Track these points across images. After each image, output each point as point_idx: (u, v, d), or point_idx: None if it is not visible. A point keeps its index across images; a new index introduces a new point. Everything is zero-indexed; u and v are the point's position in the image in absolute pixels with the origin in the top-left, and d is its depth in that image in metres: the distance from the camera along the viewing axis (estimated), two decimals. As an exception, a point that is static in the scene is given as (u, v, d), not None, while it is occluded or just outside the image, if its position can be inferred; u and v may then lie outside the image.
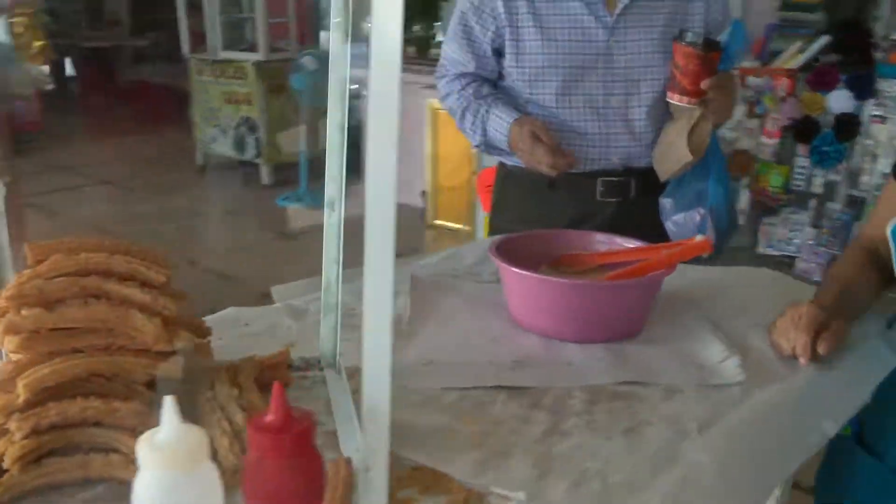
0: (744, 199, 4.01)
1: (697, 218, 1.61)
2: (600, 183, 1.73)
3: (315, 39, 6.48)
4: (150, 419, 0.88)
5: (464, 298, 1.35)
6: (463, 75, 1.78)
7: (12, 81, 6.46)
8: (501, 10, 1.69)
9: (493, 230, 1.88)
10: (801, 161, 3.82)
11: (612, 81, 1.68)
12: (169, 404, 0.61)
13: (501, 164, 1.87)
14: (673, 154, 1.58)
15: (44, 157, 6.80)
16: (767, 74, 3.70)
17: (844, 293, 1.21)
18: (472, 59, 1.75)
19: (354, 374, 1.13)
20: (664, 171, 1.63)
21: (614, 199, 1.73)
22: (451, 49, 1.79)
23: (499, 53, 1.74)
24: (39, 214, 5.33)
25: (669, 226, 1.71)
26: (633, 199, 1.73)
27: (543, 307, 1.22)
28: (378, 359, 0.69)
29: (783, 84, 3.68)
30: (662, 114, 1.68)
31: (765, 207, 4.00)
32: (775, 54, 3.79)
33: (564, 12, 1.66)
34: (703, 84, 1.53)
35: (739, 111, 3.78)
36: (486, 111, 1.71)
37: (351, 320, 1.15)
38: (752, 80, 3.72)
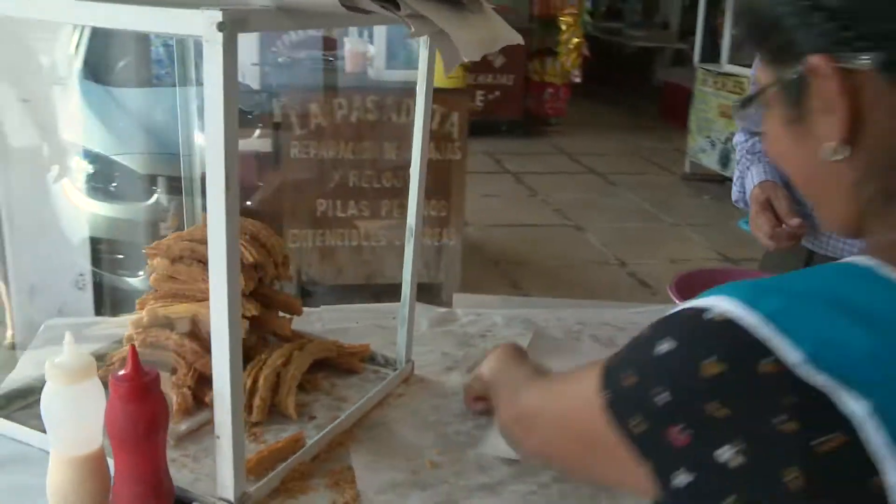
0: None
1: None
2: (853, 272, 1.50)
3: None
4: (204, 359, 1.17)
5: (558, 360, 1.35)
6: (746, 129, 1.68)
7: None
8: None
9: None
10: None
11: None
12: (68, 338, 0.87)
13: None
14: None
15: (552, 141, 7.60)
16: None
17: None
18: (754, 114, 1.65)
19: (414, 382, 1.27)
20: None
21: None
22: (744, 100, 1.70)
23: (780, 111, 1.61)
24: (523, 189, 6.05)
25: None
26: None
27: None
28: (223, 352, 0.86)
29: None
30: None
31: None
32: None
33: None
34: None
35: None
36: (748, 168, 1.61)
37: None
38: None
